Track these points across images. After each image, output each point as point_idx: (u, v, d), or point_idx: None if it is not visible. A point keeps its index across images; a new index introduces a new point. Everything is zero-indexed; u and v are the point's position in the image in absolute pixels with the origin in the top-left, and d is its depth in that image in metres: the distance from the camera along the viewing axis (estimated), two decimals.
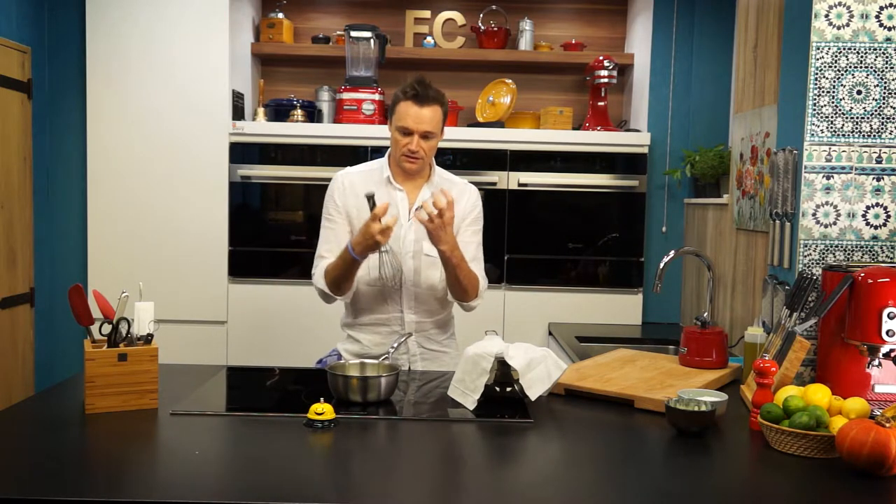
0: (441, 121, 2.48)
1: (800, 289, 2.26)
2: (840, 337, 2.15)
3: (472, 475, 1.71)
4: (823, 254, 2.38)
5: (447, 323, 2.67)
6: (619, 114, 4.35)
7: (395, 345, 2.38)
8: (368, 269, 2.51)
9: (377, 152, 3.76)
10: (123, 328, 2.00)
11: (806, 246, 2.38)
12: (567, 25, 4.33)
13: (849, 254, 2.38)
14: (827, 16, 2.33)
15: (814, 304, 2.22)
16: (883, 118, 2.35)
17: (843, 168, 2.37)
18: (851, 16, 2.33)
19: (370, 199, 2.29)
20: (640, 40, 4.10)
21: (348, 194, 2.55)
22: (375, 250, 2.35)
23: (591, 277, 3.90)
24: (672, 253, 2.75)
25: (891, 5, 2.32)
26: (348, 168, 2.63)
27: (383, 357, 2.29)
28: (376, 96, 3.91)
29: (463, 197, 2.60)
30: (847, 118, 2.35)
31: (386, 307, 2.55)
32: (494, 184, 3.82)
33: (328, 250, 2.52)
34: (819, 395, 1.92)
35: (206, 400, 2.15)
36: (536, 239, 3.88)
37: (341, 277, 2.44)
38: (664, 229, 4.07)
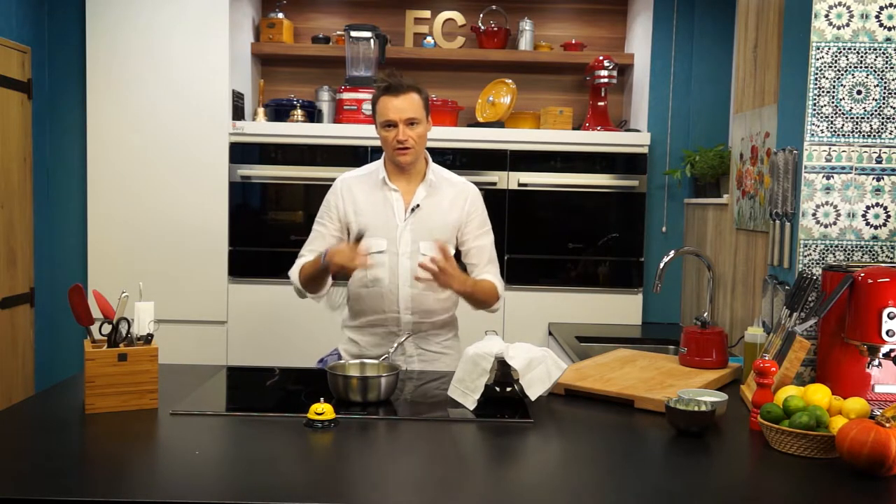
0: (422, 106, 2.48)
1: (800, 289, 2.26)
2: (840, 337, 2.15)
3: (472, 475, 1.71)
4: (823, 254, 2.38)
5: (449, 324, 2.66)
6: (619, 114, 4.35)
7: (395, 346, 2.39)
8: (366, 270, 2.52)
9: (377, 152, 3.74)
10: (123, 328, 2.00)
11: (806, 246, 2.38)
12: (567, 25, 4.33)
13: (849, 254, 2.38)
14: (827, 16, 2.33)
15: (814, 304, 2.22)
16: (883, 118, 2.35)
17: (843, 168, 2.37)
18: (851, 16, 2.33)
19: (360, 236, 2.37)
20: (640, 40, 4.10)
21: (346, 199, 2.58)
22: (344, 272, 2.43)
23: (591, 277, 3.90)
24: (672, 253, 2.75)
25: (891, 5, 2.32)
26: (348, 172, 2.66)
27: (383, 357, 2.29)
28: None
29: (464, 198, 2.60)
30: (847, 118, 2.35)
31: (382, 308, 2.55)
32: (494, 184, 3.82)
33: (311, 251, 2.59)
34: (819, 395, 1.92)
35: (206, 400, 2.15)
36: (536, 239, 3.88)
37: (311, 278, 2.52)
38: (664, 229, 4.07)
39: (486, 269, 2.61)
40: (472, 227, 2.59)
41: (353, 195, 2.57)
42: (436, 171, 2.61)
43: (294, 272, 2.58)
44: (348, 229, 2.59)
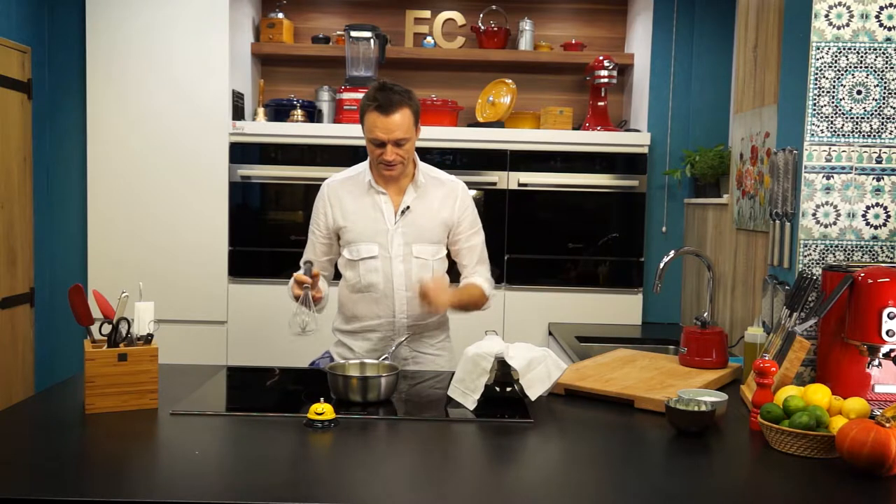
0: (412, 122, 2.42)
1: (800, 289, 2.26)
2: (840, 337, 2.15)
3: (472, 475, 1.71)
4: (823, 254, 2.38)
5: (441, 325, 2.65)
6: (619, 114, 4.35)
7: (393, 348, 2.39)
8: (360, 275, 2.51)
9: None
10: (123, 328, 2.00)
11: (806, 246, 2.38)
12: (567, 25, 4.33)
13: (849, 254, 2.38)
14: (827, 16, 2.33)
15: (814, 304, 2.22)
16: (883, 118, 2.35)
17: (843, 168, 2.37)
18: (851, 16, 2.33)
19: (308, 267, 2.37)
20: (640, 40, 4.10)
21: (333, 205, 2.55)
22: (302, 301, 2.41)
23: (591, 277, 3.90)
24: (672, 253, 2.75)
25: (891, 5, 2.32)
26: (334, 175, 2.63)
27: (383, 357, 2.29)
28: None
29: (453, 198, 2.57)
30: (847, 118, 2.35)
31: (377, 313, 2.53)
32: (494, 184, 3.82)
33: (307, 259, 2.57)
34: (819, 395, 1.92)
35: (206, 400, 2.15)
36: (536, 239, 3.88)
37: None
38: (664, 229, 4.07)
39: (476, 269, 2.60)
40: (463, 228, 2.58)
41: (341, 200, 2.54)
42: (424, 170, 2.57)
43: (291, 282, 2.47)
44: (338, 235, 2.57)
